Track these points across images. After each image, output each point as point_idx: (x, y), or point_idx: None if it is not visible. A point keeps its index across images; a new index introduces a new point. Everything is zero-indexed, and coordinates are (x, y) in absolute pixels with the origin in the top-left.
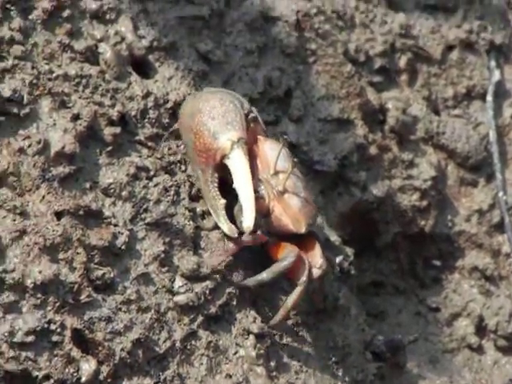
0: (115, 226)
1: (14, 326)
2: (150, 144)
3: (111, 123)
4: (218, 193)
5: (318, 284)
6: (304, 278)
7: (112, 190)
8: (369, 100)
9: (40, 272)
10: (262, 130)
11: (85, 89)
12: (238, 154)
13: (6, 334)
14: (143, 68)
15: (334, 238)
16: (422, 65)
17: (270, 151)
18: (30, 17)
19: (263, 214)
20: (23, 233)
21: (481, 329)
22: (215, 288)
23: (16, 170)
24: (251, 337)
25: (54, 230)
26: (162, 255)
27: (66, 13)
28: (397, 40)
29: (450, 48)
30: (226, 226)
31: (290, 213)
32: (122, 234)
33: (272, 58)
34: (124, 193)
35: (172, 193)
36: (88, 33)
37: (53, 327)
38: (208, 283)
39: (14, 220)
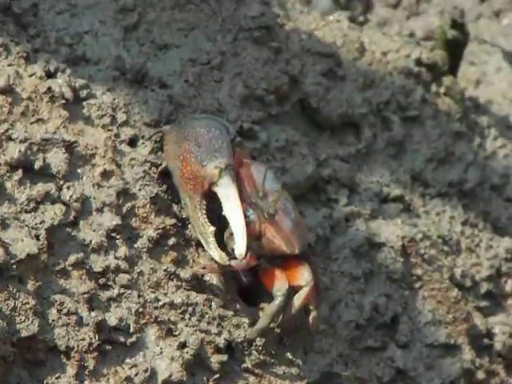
0: None
1: None
2: (257, 371)
3: (218, 351)
4: (206, 220)
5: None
6: (309, 279)
7: None
8: (475, 325)
9: None
10: (247, 154)
11: (191, 317)
12: (227, 182)
13: None
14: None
15: None
16: None
17: (257, 174)
18: (136, 245)
19: (255, 237)
20: None
21: None
22: None
23: None
24: None
25: None
26: None
27: (171, 241)
28: (503, 264)
29: None
30: (216, 254)
31: (282, 234)
32: None
33: (378, 284)
34: None
35: None
36: (194, 260)
37: None
38: None
39: None
